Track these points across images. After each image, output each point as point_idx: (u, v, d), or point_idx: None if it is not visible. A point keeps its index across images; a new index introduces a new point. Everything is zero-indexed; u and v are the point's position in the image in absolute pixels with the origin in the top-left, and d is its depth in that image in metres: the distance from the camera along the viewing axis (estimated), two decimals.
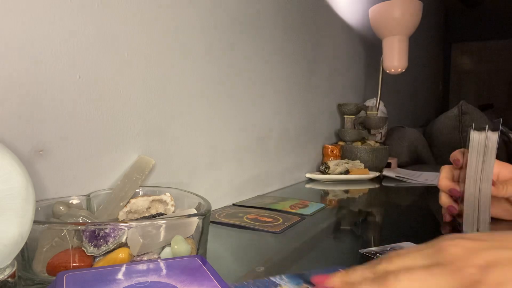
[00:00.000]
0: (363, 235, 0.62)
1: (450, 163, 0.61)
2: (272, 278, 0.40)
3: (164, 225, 0.40)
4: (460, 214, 0.57)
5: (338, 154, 1.23)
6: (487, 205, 0.52)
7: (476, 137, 0.51)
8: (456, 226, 0.60)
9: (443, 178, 0.59)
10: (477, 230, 0.54)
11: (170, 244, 0.41)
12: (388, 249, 0.51)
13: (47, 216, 0.46)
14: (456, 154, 0.59)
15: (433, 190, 0.63)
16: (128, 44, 0.57)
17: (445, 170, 0.59)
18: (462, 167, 0.56)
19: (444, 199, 0.59)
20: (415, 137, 1.70)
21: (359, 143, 1.28)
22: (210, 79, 0.74)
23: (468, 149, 0.53)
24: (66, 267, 0.37)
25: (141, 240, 0.38)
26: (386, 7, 1.23)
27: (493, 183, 0.52)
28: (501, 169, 0.55)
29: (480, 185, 0.52)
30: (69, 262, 0.37)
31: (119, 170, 0.57)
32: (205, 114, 0.73)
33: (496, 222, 0.58)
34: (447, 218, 0.62)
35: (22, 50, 0.45)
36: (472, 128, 0.53)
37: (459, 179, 0.58)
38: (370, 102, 1.45)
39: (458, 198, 0.58)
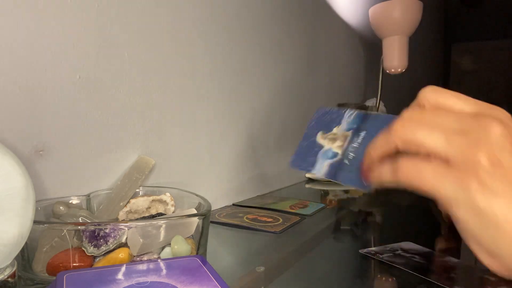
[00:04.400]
0: (363, 235, 0.62)
1: None
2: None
3: (164, 225, 0.40)
4: None
5: None
6: None
7: None
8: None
9: None
10: None
11: (170, 244, 0.41)
12: (387, 249, 0.51)
13: (47, 216, 0.46)
14: None
15: None
16: (128, 44, 0.57)
17: None
18: None
19: None
20: None
21: None
22: (210, 79, 0.74)
23: None
24: (66, 267, 0.37)
25: (141, 240, 0.38)
26: (386, 7, 1.23)
27: None
28: None
29: None
30: (69, 262, 0.37)
31: (119, 170, 0.57)
32: (205, 114, 0.73)
33: None
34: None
35: (22, 50, 0.45)
36: None
37: None
38: (370, 102, 1.45)
39: None
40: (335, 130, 0.33)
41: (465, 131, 0.23)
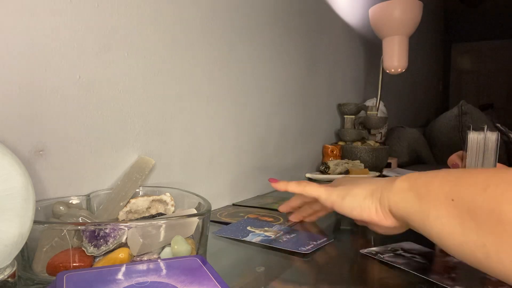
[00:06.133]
0: (363, 235, 0.61)
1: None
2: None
3: (164, 225, 0.40)
4: None
5: (338, 154, 1.23)
6: None
7: (474, 137, 0.51)
8: None
9: None
10: None
11: (170, 244, 0.41)
12: (388, 249, 0.51)
13: (47, 216, 0.46)
14: (454, 159, 0.59)
15: None
16: (128, 44, 0.57)
17: None
18: None
19: None
20: (415, 137, 1.70)
21: (359, 143, 1.28)
22: (210, 79, 0.74)
23: (466, 151, 0.53)
24: (66, 267, 0.37)
25: (141, 240, 0.38)
26: (386, 7, 1.23)
27: None
28: None
29: None
30: (69, 262, 0.37)
31: (119, 170, 0.57)
32: (205, 114, 0.73)
33: None
34: None
35: (22, 50, 0.45)
36: (470, 129, 0.53)
37: None
38: (370, 102, 1.45)
39: None
40: (266, 228, 0.59)
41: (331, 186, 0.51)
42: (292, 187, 0.54)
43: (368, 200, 0.44)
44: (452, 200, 0.34)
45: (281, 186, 0.56)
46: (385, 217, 0.42)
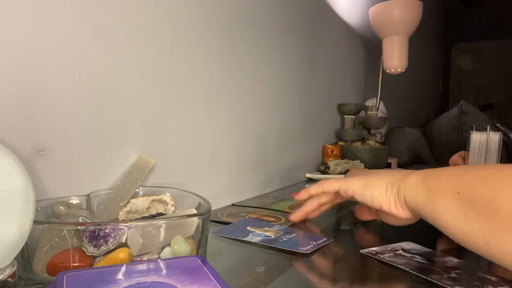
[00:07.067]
0: (363, 235, 0.61)
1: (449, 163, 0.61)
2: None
3: (164, 225, 0.40)
4: None
5: (338, 154, 1.23)
6: None
7: (477, 137, 0.51)
8: None
9: None
10: None
11: (170, 244, 0.40)
12: (388, 249, 0.51)
13: (47, 216, 0.46)
14: (456, 159, 0.59)
15: None
16: (128, 44, 0.57)
17: None
18: None
19: None
20: (415, 137, 1.70)
21: (359, 143, 1.28)
22: (210, 79, 0.74)
23: (468, 151, 0.53)
24: (66, 267, 0.37)
25: (141, 240, 0.38)
26: (386, 7, 1.23)
27: None
28: None
29: None
30: (69, 262, 0.37)
31: (119, 170, 0.57)
32: (205, 114, 0.73)
33: None
34: None
35: (22, 50, 0.45)
36: (473, 130, 0.53)
37: None
38: (370, 102, 1.45)
39: None
40: (266, 228, 0.59)
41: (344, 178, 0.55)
42: (312, 190, 0.58)
43: (388, 191, 0.48)
44: (458, 193, 0.37)
45: (303, 194, 0.60)
46: (403, 209, 0.46)
